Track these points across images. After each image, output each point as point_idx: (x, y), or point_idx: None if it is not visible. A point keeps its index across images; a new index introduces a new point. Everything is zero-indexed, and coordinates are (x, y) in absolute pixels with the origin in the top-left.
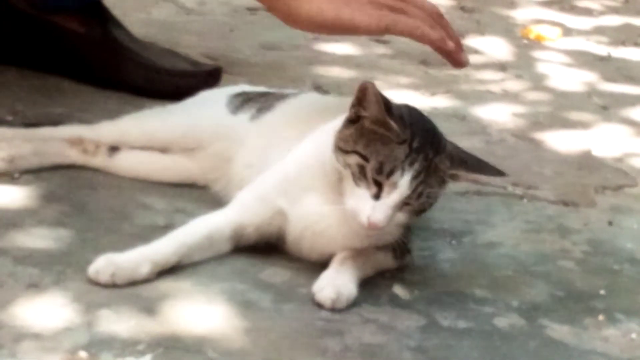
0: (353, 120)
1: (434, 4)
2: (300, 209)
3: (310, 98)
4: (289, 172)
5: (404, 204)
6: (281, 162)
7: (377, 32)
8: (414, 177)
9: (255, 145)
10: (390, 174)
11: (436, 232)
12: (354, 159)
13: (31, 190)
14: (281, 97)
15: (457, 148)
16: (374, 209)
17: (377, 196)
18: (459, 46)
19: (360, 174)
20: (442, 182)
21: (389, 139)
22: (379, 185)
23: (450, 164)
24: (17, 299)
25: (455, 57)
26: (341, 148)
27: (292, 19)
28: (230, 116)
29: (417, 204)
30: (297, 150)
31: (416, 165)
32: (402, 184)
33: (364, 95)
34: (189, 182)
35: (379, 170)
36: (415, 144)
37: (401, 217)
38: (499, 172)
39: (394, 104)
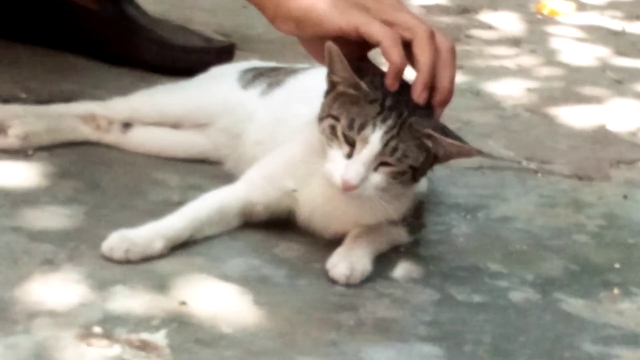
0: (329, 89)
1: (451, 41)
2: (308, 190)
3: (320, 73)
4: (296, 153)
5: (380, 163)
6: (288, 142)
7: (348, 30)
8: (386, 133)
9: (265, 122)
10: (360, 129)
11: (450, 206)
12: (327, 122)
13: (45, 167)
14: (291, 72)
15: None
16: (346, 167)
17: (350, 155)
18: (441, 102)
19: (332, 134)
20: (420, 144)
21: (359, 99)
22: (352, 145)
23: (427, 125)
24: (32, 275)
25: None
26: (319, 117)
27: (282, 17)
28: (241, 91)
29: (394, 162)
30: (304, 130)
31: (389, 122)
32: (373, 139)
33: (331, 59)
34: (201, 157)
35: (350, 126)
36: (387, 103)
37: (378, 178)
38: (477, 150)
39: (369, 67)
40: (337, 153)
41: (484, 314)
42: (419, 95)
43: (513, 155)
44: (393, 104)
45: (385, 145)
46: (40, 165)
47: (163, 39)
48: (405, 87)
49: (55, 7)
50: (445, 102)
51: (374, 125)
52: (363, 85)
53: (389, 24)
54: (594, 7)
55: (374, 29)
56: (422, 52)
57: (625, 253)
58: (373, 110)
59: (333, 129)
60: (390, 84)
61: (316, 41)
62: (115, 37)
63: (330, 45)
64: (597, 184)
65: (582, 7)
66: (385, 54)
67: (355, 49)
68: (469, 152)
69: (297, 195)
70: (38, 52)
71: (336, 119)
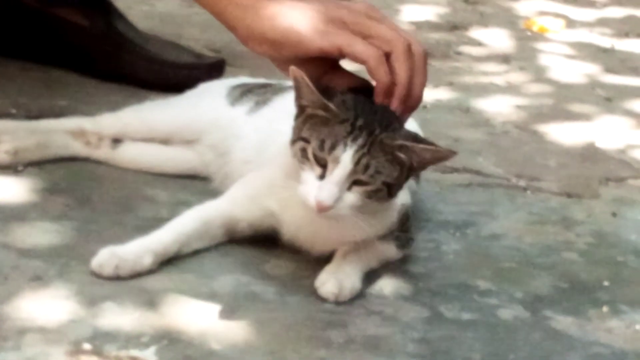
0: (299, 113)
1: (424, 47)
2: (290, 211)
3: None
4: (275, 176)
5: (353, 182)
6: (270, 162)
7: (331, 52)
8: (357, 151)
9: (252, 140)
10: (331, 149)
11: (440, 223)
12: (298, 145)
13: (34, 182)
14: (279, 90)
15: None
16: (319, 188)
17: (322, 177)
18: (409, 108)
19: (303, 157)
20: (392, 159)
21: (329, 120)
22: (324, 167)
23: (398, 137)
24: (21, 291)
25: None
26: (291, 140)
27: (247, 37)
28: (229, 108)
29: (367, 179)
30: (284, 152)
31: (359, 141)
32: (344, 158)
33: (297, 84)
34: (191, 173)
35: (321, 147)
36: (358, 123)
37: (352, 197)
38: (450, 151)
39: (340, 82)
40: (309, 175)
41: (473, 332)
42: (396, 108)
43: (502, 172)
44: (364, 123)
45: (357, 163)
46: (30, 181)
47: (153, 54)
48: (376, 106)
49: (45, 23)
50: (415, 108)
51: (345, 145)
52: (332, 106)
53: (367, 37)
54: (583, 25)
55: (357, 49)
56: (400, 65)
57: (614, 271)
58: (343, 130)
59: (304, 151)
60: (381, 101)
61: (292, 61)
62: (105, 53)
63: (294, 70)
64: (586, 201)
65: (571, 24)
66: (371, 74)
67: (326, 62)
68: (443, 155)
69: (280, 215)
70: (28, 68)
71: (306, 141)
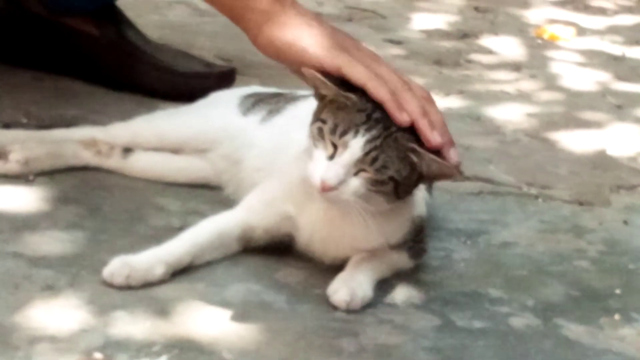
0: (320, 100)
1: (423, 89)
2: (307, 214)
3: None
4: (293, 177)
5: (359, 169)
6: (288, 167)
7: (330, 68)
8: (368, 141)
9: (265, 148)
10: (343, 134)
11: (451, 232)
12: (316, 125)
13: (46, 192)
14: (292, 99)
15: None
16: (326, 168)
17: (332, 157)
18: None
19: (319, 135)
20: (404, 157)
21: (347, 106)
22: (336, 148)
23: (413, 141)
24: (33, 301)
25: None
26: (310, 124)
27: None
28: (241, 117)
29: (374, 172)
30: (301, 156)
31: (373, 132)
32: (354, 144)
33: (314, 82)
34: (202, 182)
35: (333, 130)
36: (375, 115)
37: (356, 182)
38: (458, 169)
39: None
40: (320, 154)
41: (485, 340)
42: (435, 139)
43: (513, 180)
44: (380, 117)
45: (367, 154)
46: (41, 191)
47: (164, 64)
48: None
49: (56, 33)
50: (449, 139)
51: (357, 132)
52: (351, 95)
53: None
54: (594, 32)
55: (356, 71)
56: (406, 102)
57: (625, 279)
58: (358, 118)
59: (320, 130)
60: (399, 117)
61: (296, 70)
62: (116, 62)
63: (307, 71)
64: (597, 209)
65: (582, 32)
66: (373, 95)
67: None
68: (450, 171)
69: (296, 219)
70: (39, 77)
71: (324, 122)
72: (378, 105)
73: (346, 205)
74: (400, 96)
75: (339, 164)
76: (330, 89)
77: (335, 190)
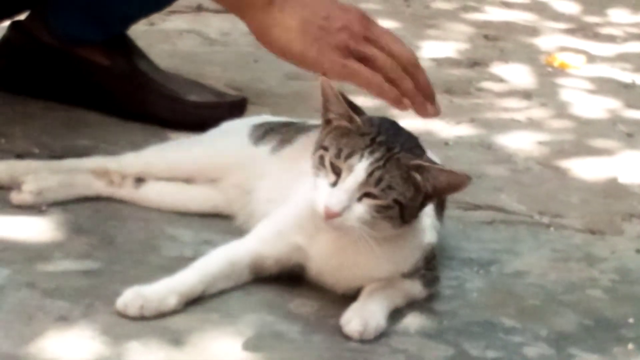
0: (324, 127)
1: (411, 52)
2: (317, 245)
3: None
4: (303, 208)
5: (364, 194)
6: (297, 197)
7: (337, 79)
8: (372, 164)
9: (276, 179)
10: (347, 157)
11: (463, 261)
12: (318, 153)
13: (59, 222)
14: (302, 129)
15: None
16: (329, 195)
17: (335, 185)
18: (429, 97)
19: (320, 164)
20: (407, 177)
21: (350, 131)
22: (338, 175)
23: (417, 158)
24: (46, 331)
25: (418, 110)
26: (312, 153)
27: (263, 39)
28: (252, 147)
29: (378, 192)
30: (311, 186)
31: (376, 154)
32: (358, 168)
33: (326, 96)
34: (214, 212)
35: (338, 155)
36: (379, 139)
37: (361, 208)
38: (466, 176)
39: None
40: (323, 182)
41: None
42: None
43: (525, 209)
44: (384, 140)
45: (370, 175)
46: (54, 221)
47: (175, 93)
48: (402, 130)
49: (67, 63)
50: (431, 96)
51: (361, 156)
52: (356, 117)
53: (363, 60)
54: (604, 60)
55: (358, 81)
56: (400, 81)
57: (638, 308)
58: (362, 142)
59: (322, 158)
60: (431, 110)
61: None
62: (127, 92)
63: (324, 80)
64: (609, 238)
65: (592, 59)
66: (378, 96)
67: None
68: (458, 179)
69: (307, 250)
70: (50, 107)
71: (326, 149)
72: (381, 129)
73: (352, 233)
74: (393, 78)
75: (342, 189)
76: (340, 105)
77: (340, 216)
